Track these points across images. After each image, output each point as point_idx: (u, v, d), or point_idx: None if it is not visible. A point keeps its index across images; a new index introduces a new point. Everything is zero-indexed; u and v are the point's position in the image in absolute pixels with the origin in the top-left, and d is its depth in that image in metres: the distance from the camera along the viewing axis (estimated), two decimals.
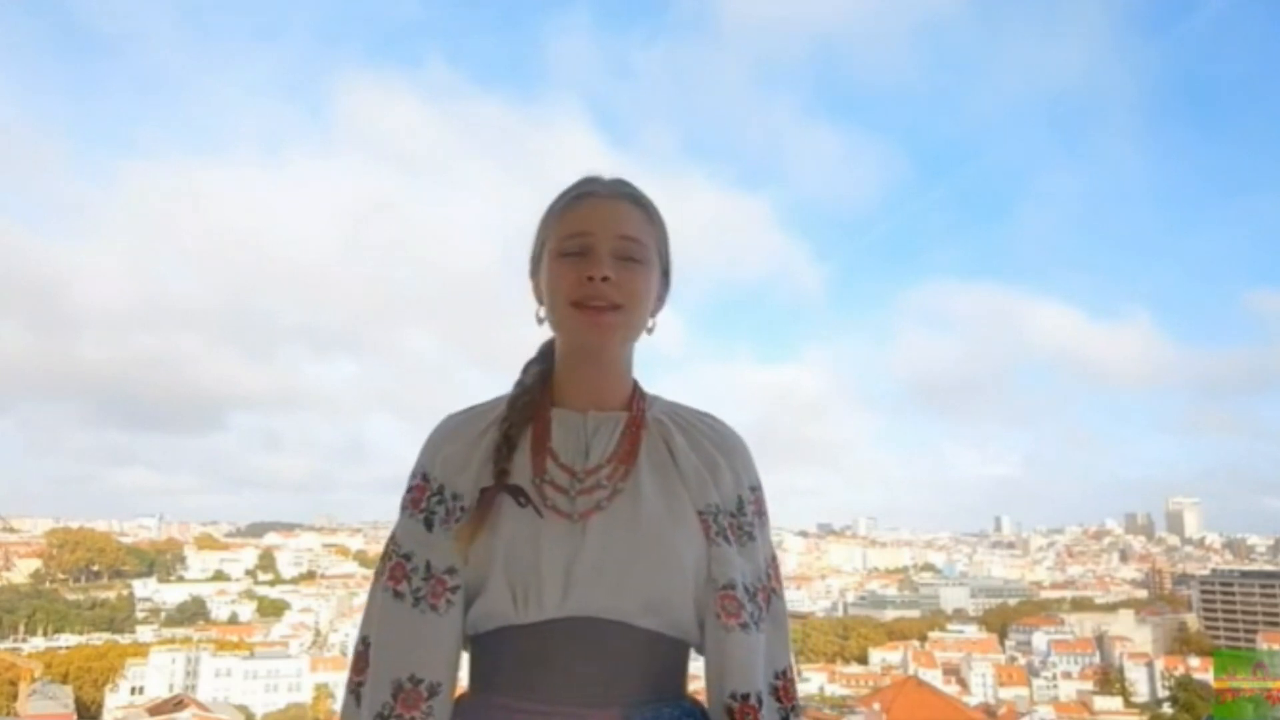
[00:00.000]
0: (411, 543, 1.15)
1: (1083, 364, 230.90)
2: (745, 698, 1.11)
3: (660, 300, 1.22)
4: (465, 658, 1.17)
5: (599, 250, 1.14)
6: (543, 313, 1.22)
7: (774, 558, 1.22)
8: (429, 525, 1.14)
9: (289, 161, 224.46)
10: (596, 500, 1.12)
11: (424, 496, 1.16)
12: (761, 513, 1.21)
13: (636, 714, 1.09)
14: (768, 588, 1.18)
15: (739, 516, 1.18)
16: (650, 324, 1.21)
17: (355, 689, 1.15)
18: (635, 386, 1.23)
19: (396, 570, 1.14)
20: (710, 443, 1.20)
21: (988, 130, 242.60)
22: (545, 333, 1.26)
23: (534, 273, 1.24)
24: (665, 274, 1.23)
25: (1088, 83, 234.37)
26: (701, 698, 1.17)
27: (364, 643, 1.16)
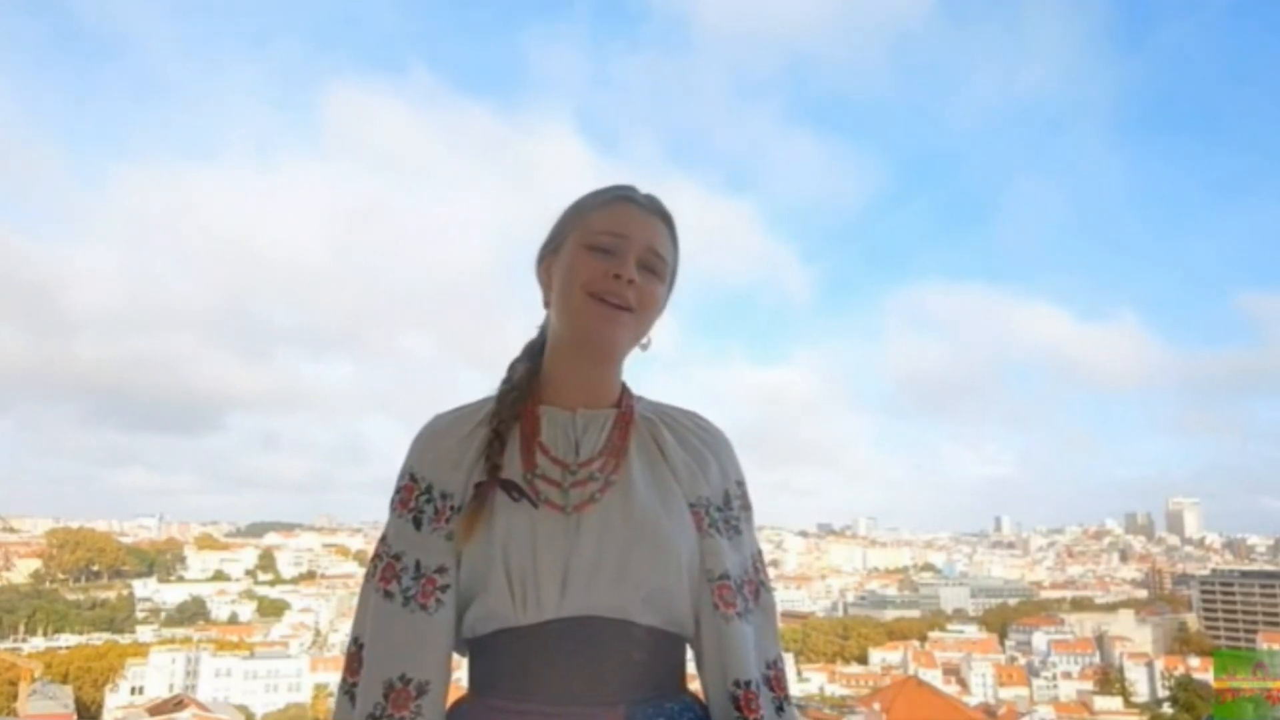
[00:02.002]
0: (401, 543, 1.15)
1: (1072, 365, 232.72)
2: (748, 684, 1.13)
3: (656, 320, 1.24)
4: (464, 661, 1.18)
5: (629, 254, 1.16)
6: (546, 299, 1.24)
7: (759, 551, 1.25)
8: (417, 524, 1.15)
9: (281, 166, 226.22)
10: (590, 493, 1.13)
11: (412, 496, 1.17)
12: (747, 507, 1.24)
13: (639, 712, 1.09)
14: (755, 581, 1.21)
15: (726, 510, 1.20)
16: (646, 340, 1.23)
17: (350, 689, 1.15)
18: (624, 387, 1.25)
19: (387, 570, 1.15)
20: (697, 439, 1.23)
21: (971, 134, 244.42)
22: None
23: (543, 258, 1.25)
24: (667, 296, 1.26)
25: (1073, 86, 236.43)
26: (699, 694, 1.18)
27: (356, 643, 1.17)
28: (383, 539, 1.19)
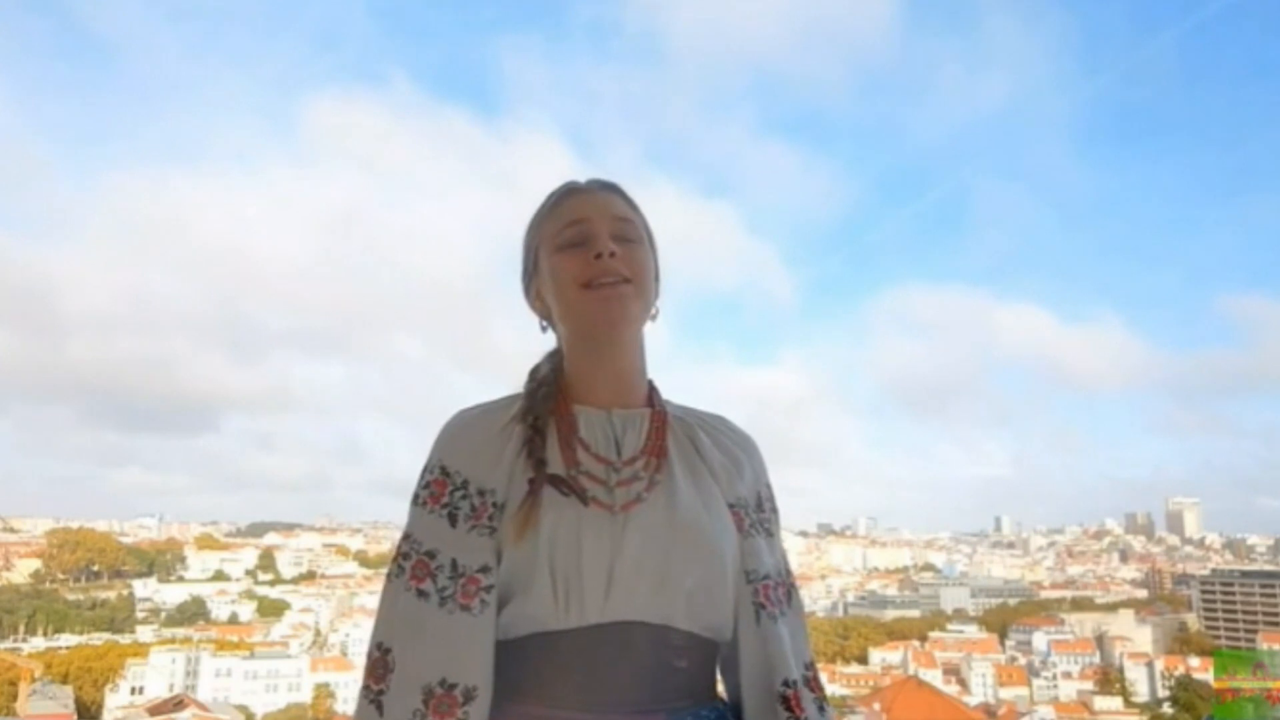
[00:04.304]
0: (434, 540, 1.09)
1: (1061, 366, 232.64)
2: (794, 684, 1.12)
3: (656, 288, 1.22)
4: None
5: (599, 232, 1.15)
6: (544, 323, 1.23)
7: (785, 554, 1.25)
8: (452, 521, 1.09)
9: (271, 171, 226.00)
10: (635, 492, 1.10)
11: (445, 491, 1.11)
12: (775, 510, 1.24)
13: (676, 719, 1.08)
14: (787, 583, 1.20)
15: (759, 512, 1.20)
16: (654, 310, 1.21)
17: (375, 698, 1.06)
18: (652, 386, 1.23)
19: (419, 569, 1.08)
20: (730, 440, 1.22)
21: (945, 141, 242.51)
22: (545, 343, 1.25)
23: (528, 285, 1.24)
24: (655, 260, 1.24)
25: (1049, 91, 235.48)
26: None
27: (381, 648, 1.08)
28: (407, 536, 1.12)
